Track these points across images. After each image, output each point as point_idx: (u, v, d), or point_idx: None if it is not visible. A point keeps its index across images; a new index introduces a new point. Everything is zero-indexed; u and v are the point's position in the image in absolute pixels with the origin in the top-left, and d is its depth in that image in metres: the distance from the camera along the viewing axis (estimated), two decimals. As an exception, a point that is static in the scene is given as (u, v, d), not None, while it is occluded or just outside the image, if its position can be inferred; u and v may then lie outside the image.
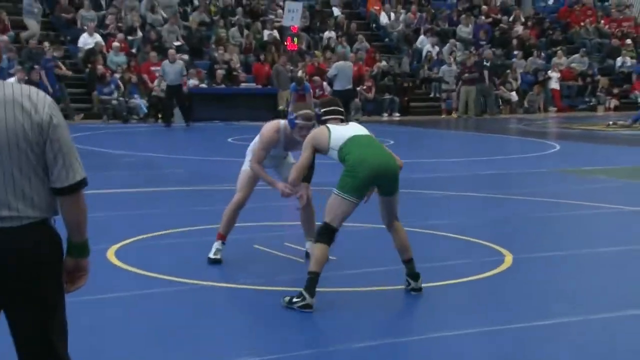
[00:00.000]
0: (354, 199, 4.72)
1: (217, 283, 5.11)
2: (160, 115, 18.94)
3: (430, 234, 6.70)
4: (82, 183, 2.49)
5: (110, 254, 5.74)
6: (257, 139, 5.64)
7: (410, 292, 4.86)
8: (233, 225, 5.68)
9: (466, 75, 21.98)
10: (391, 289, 5.05)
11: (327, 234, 4.67)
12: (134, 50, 21.03)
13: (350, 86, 15.81)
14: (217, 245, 5.62)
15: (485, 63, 22.48)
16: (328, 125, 4.97)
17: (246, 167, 5.68)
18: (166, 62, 17.98)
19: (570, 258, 6.05)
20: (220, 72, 19.83)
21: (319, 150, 4.95)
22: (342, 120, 5.06)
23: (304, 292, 4.51)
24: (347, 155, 4.78)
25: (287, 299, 4.56)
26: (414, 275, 4.89)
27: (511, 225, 7.35)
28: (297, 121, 5.34)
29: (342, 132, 4.90)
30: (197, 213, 7.61)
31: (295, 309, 4.49)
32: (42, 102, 2.45)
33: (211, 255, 5.56)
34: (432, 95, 23.55)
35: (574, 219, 7.72)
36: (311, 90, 19.22)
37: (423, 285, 5.03)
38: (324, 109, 5.09)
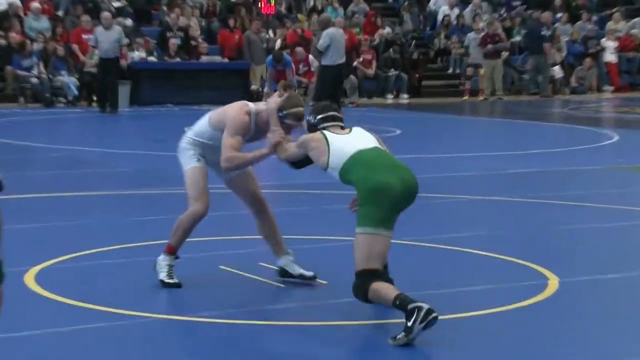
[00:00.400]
0: (385, 232, 4.81)
1: (172, 316, 5.08)
2: (94, 98, 18.90)
3: (450, 250, 6.71)
4: None
5: (30, 279, 5.72)
6: (204, 126, 5.58)
7: None
8: (186, 239, 5.68)
9: (489, 46, 21.99)
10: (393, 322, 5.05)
11: (368, 282, 4.74)
12: (60, 13, 20.99)
13: (342, 60, 15.80)
14: (167, 261, 5.60)
15: (543, 31, 22.39)
16: (325, 132, 5.08)
17: (191, 165, 5.64)
18: (100, 28, 17.86)
19: (633, 282, 6.06)
20: (174, 42, 19.82)
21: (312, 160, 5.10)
22: (342, 127, 5.16)
23: (409, 324, 4.55)
24: (357, 180, 4.90)
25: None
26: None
27: (555, 239, 7.37)
28: (286, 121, 5.39)
29: (342, 146, 4.99)
30: (143, 224, 7.59)
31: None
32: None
33: (164, 278, 5.54)
34: (450, 71, 23.62)
35: (638, 231, 7.74)
36: (293, 66, 19.23)
37: (441, 317, 5.03)
38: (321, 116, 5.19)
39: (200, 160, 5.66)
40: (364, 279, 4.80)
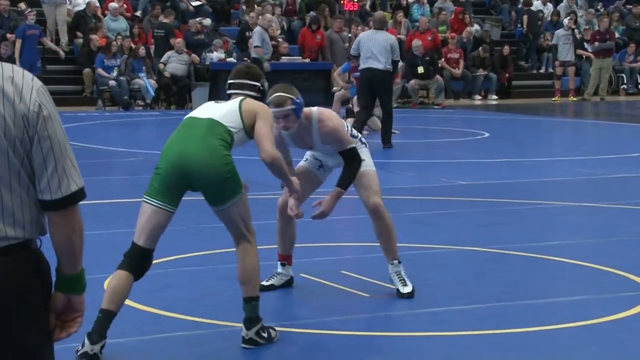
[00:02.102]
0: (156, 203, 4.84)
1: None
2: (173, 101, 19.22)
3: (540, 259, 6.68)
4: (79, 195, 2.48)
5: (110, 286, 5.85)
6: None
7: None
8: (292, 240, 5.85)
9: (597, 44, 21.65)
10: (470, 334, 5.06)
11: (130, 257, 4.78)
12: (138, 13, 21.36)
13: (374, 65, 13.25)
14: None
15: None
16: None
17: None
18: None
19: None
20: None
21: None
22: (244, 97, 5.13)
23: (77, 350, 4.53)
24: None
25: None
26: (247, 320, 4.80)
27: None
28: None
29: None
30: (221, 230, 7.68)
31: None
32: (28, 87, 2.44)
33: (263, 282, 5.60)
34: (542, 70, 23.37)
35: None
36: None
37: (531, 328, 5.03)
38: (228, 81, 5.35)
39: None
40: (129, 252, 4.81)
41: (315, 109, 5.58)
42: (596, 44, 21.67)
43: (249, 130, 4.88)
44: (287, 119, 5.35)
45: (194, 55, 19.42)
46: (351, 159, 5.45)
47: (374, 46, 12.65)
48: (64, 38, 19.73)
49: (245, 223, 4.88)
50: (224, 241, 7.14)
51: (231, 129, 4.83)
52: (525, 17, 23.73)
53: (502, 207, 8.54)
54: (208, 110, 4.98)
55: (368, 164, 5.62)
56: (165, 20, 19.91)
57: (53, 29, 19.73)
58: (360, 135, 5.84)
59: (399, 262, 5.66)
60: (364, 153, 5.62)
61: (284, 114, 5.32)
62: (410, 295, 5.60)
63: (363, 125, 13.03)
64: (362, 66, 12.95)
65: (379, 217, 5.61)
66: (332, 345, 4.91)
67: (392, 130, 14.91)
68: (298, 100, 5.35)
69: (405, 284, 5.63)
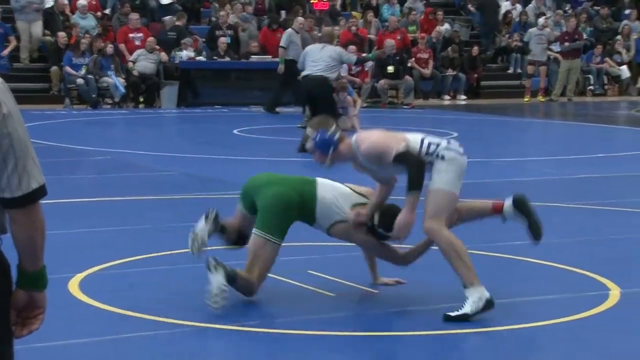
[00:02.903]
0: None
1: (217, 325, 5.15)
2: (142, 99, 19.14)
3: (507, 259, 6.70)
4: (40, 192, 2.49)
5: (74, 286, 5.82)
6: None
7: None
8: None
9: (567, 44, 21.79)
10: (448, 333, 5.07)
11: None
12: (107, 11, 21.26)
13: (319, 72, 13.02)
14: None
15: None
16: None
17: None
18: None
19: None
20: (223, 41, 19.98)
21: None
22: None
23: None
24: None
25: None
26: None
27: (619, 247, 7.32)
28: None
29: None
30: (190, 230, 7.67)
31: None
32: (-13, 83, 2.45)
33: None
34: (511, 70, 23.48)
35: None
36: (345, 65, 19.27)
37: (497, 328, 5.05)
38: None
39: None
40: None
41: (354, 137, 5.47)
42: (565, 44, 21.80)
43: None
44: (315, 156, 5.46)
45: (163, 53, 19.35)
46: (404, 162, 5.19)
47: (319, 57, 12.74)
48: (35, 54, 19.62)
49: None
50: (187, 241, 7.12)
51: None
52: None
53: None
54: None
55: (439, 180, 5.26)
56: (177, 23, 19.91)
57: (27, 45, 19.47)
58: (440, 150, 5.33)
59: (467, 287, 5.16)
60: (441, 169, 5.25)
61: (310, 151, 5.49)
62: (449, 318, 5.14)
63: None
64: (302, 74, 13.08)
65: (435, 241, 5.36)
66: (298, 345, 4.90)
67: (361, 130, 14.96)
68: (317, 138, 5.41)
69: (458, 310, 5.16)
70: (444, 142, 5.38)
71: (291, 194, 5.45)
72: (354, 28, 21.38)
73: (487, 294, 5.15)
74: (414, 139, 5.39)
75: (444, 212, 5.26)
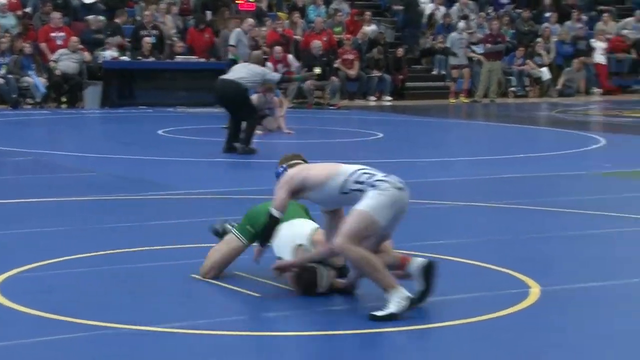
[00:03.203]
0: None
1: (139, 326, 5.11)
2: (64, 99, 18.89)
3: (431, 258, 6.76)
4: None
5: (-6, 288, 5.73)
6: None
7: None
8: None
9: (489, 46, 22.13)
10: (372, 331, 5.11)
11: None
12: (28, 10, 20.94)
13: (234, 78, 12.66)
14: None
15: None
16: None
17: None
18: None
19: (618, 290, 6.13)
20: (148, 41, 19.82)
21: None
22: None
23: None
24: None
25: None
26: None
27: (538, 246, 7.44)
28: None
29: None
30: (112, 231, 7.61)
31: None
32: None
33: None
34: (435, 72, 23.72)
35: (623, 237, 7.82)
36: (271, 66, 19.24)
37: (419, 326, 5.10)
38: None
39: None
40: None
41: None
42: (488, 45, 22.11)
43: None
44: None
45: (86, 53, 19.13)
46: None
47: (241, 70, 12.63)
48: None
49: None
50: (112, 242, 7.06)
51: None
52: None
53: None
54: None
55: (364, 203, 5.29)
56: (117, 20, 19.85)
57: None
58: (374, 180, 5.41)
59: (387, 291, 5.23)
60: (370, 195, 5.29)
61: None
62: (373, 317, 5.19)
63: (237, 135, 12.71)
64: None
65: (347, 258, 5.45)
66: (221, 346, 4.88)
67: (287, 131, 15.03)
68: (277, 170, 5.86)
69: (383, 310, 5.22)
70: (380, 175, 5.46)
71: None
72: (280, 29, 21.37)
73: (407, 293, 5.22)
74: (346, 168, 5.52)
75: (357, 232, 5.26)
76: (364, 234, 5.29)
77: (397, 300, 5.18)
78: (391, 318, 5.14)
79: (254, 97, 13.99)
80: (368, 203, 5.30)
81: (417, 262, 5.47)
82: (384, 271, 5.29)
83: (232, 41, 18.24)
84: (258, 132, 14.21)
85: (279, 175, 5.79)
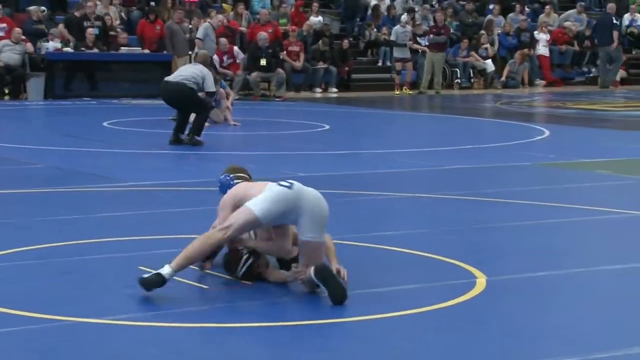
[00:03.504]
0: None
1: (88, 319, 5.07)
2: (7, 91, 18.66)
3: (376, 249, 6.79)
4: None
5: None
6: None
7: None
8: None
9: (432, 36, 22.28)
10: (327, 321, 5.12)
11: None
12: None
13: (178, 79, 12.66)
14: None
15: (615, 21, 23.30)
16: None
17: None
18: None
19: (562, 280, 6.22)
20: (91, 32, 19.63)
21: None
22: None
23: None
24: None
25: None
26: None
27: (484, 236, 7.51)
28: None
29: None
30: (58, 224, 7.54)
31: None
32: None
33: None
34: (380, 64, 23.81)
35: (567, 227, 7.93)
36: (217, 58, 19.20)
37: (367, 317, 5.13)
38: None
39: None
40: None
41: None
42: (431, 36, 22.26)
43: None
44: None
45: (29, 44, 18.90)
46: None
47: (185, 69, 12.67)
48: None
49: None
50: (57, 235, 7.00)
51: None
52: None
53: (338, 198, 8.66)
54: None
55: (251, 201, 5.55)
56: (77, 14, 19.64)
57: None
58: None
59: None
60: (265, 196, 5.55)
61: None
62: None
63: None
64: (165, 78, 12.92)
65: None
66: (169, 337, 4.86)
67: (234, 123, 15.02)
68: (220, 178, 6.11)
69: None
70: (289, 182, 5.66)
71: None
72: (225, 21, 21.29)
73: (161, 278, 5.42)
74: (271, 185, 5.69)
75: (231, 221, 5.51)
76: (238, 225, 5.51)
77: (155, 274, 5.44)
78: (143, 282, 5.42)
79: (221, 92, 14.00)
80: (253, 200, 5.55)
81: (311, 269, 5.51)
82: (190, 257, 5.52)
83: (199, 35, 18.26)
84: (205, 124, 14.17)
85: (222, 182, 6.05)
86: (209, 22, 18.49)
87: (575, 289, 6.04)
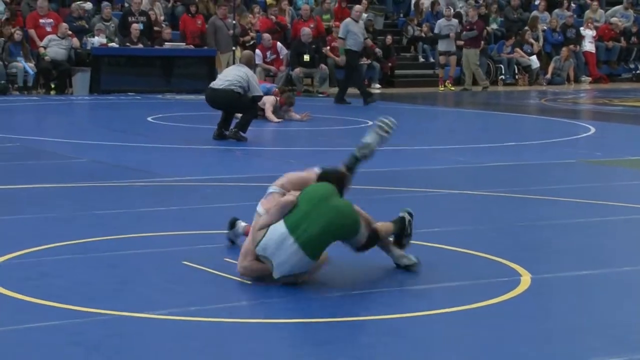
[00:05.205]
0: None
1: (131, 313, 5.10)
2: (53, 85, 18.83)
3: (421, 246, 6.76)
4: None
5: (-17, 275, 5.70)
6: None
7: None
8: None
9: (464, 33, 22.14)
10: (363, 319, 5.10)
11: None
12: (16, -4, 20.85)
13: (223, 85, 12.75)
14: None
15: None
16: None
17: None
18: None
19: (607, 278, 6.14)
20: (136, 27, 19.75)
21: None
22: None
23: None
24: None
25: None
26: None
27: (529, 234, 7.45)
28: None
29: None
30: (102, 218, 7.58)
31: None
32: None
33: None
34: (422, 60, 23.71)
35: (613, 226, 7.84)
36: (260, 53, 19.22)
37: (408, 314, 5.10)
38: None
39: None
40: None
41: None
42: (464, 32, 22.11)
43: None
44: None
45: (75, 39, 19.06)
46: None
47: (229, 74, 12.64)
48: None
49: None
50: (101, 229, 7.04)
51: None
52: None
53: (384, 194, 8.63)
54: None
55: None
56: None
57: None
58: None
59: None
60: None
61: None
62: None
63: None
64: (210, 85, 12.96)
65: None
66: (214, 333, 4.87)
67: (300, 117, 15.06)
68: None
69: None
70: None
71: None
72: (273, 17, 21.34)
73: None
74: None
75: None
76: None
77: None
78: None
79: (270, 99, 14.18)
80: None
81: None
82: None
83: (341, 33, 18.34)
84: (276, 119, 14.61)
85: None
86: (350, 18, 18.42)
87: (621, 287, 5.96)
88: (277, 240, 5.45)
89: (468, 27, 22.21)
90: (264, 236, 5.50)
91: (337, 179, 5.79)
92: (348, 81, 18.53)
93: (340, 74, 21.76)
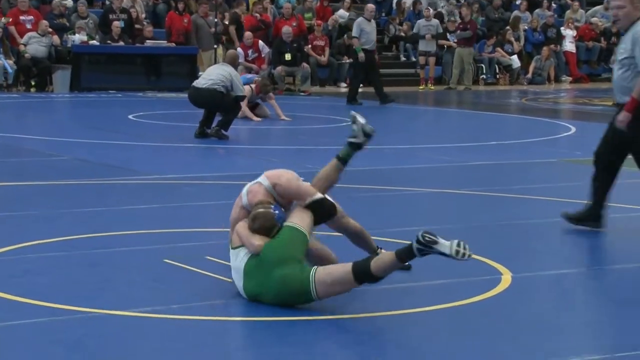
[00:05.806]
0: None
1: (113, 311, 5.10)
2: (33, 83, 18.76)
3: (401, 245, 6.78)
4: None
5: (-35, 272, 5.68)
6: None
7: None
8: None
9: (458, 33, 22.21)
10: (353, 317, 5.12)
11: None
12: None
13: (206, 85, 12.72)
14: None
15: None
16: None
17: None
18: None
19: (587, 277, 6.19)
20: (117, 25, 19.70)
21: None
22: None
23: None
24: None
25: None
26: None
27: (510, 233, 7.48)
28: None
29: None
30: (83, 216, 7.57)
31: None
32: None
33: None
34: (403, 59, 23.76)
35: (593, 225, 7.88)
36: (241, 52, 19.21)
37: (390, 312, 5.12)
38: None
39: None
40: None
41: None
42: (458, 32, 22.19)
43: None
44: None
45: (55, 36, 18.99)
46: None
47: (212, 73, 12.62)
48: None
49: None
50: (83, 227, 7.03)
51: None
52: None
53: (363, 193, 8.66)
54: None
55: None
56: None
57: None
58: None
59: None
60: None
61: None
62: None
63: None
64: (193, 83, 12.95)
65: None
66: (195, 331, 4.88)
67: (256, 119, 15.07)
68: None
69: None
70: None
71: None
72: (257, 15, 21.33)
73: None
74: None
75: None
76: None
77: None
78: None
79: (246, 88, 13.99)
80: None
81: None
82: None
83: (354, 33, 18.15)
84: (256, 119, 14.56)
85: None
86: (362, 17, 18.35)
87: (600, 286, 6.01)
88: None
89: (462, 27, 22.29)
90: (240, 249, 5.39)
91: (324, 216, 5.53)
92: (357, 80, 18.43)
93: (323, 73, 21.79)
